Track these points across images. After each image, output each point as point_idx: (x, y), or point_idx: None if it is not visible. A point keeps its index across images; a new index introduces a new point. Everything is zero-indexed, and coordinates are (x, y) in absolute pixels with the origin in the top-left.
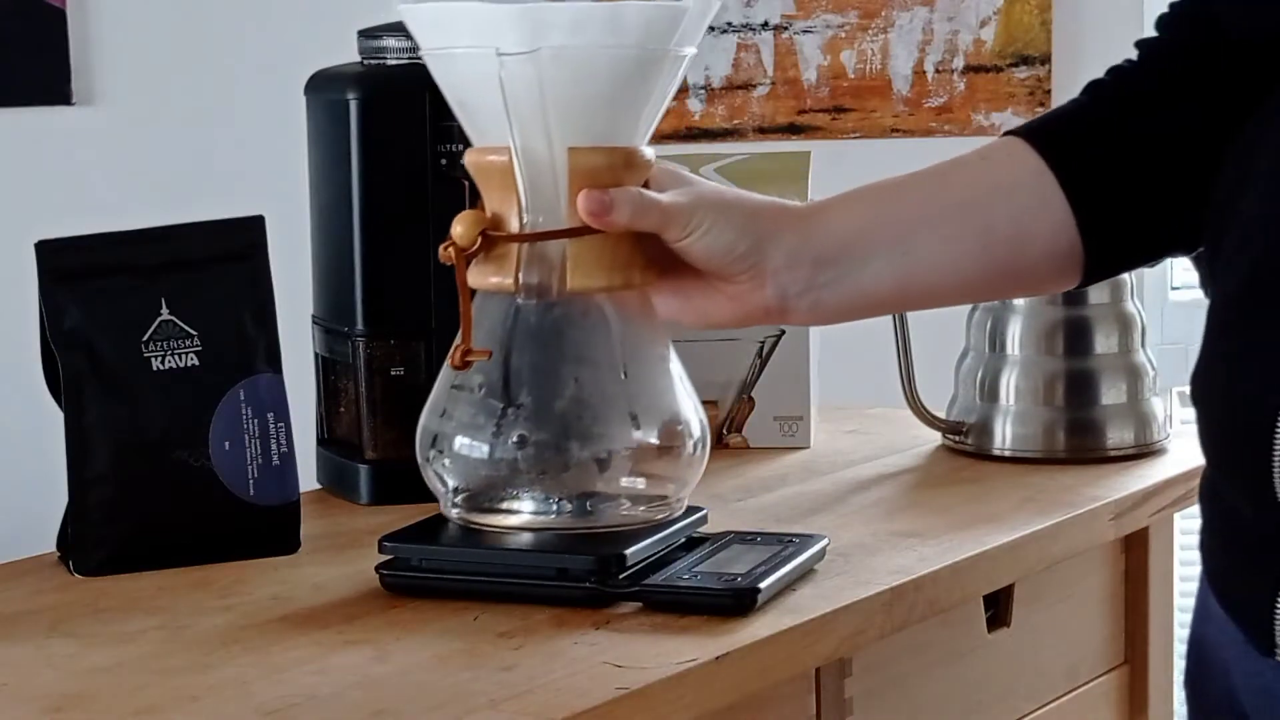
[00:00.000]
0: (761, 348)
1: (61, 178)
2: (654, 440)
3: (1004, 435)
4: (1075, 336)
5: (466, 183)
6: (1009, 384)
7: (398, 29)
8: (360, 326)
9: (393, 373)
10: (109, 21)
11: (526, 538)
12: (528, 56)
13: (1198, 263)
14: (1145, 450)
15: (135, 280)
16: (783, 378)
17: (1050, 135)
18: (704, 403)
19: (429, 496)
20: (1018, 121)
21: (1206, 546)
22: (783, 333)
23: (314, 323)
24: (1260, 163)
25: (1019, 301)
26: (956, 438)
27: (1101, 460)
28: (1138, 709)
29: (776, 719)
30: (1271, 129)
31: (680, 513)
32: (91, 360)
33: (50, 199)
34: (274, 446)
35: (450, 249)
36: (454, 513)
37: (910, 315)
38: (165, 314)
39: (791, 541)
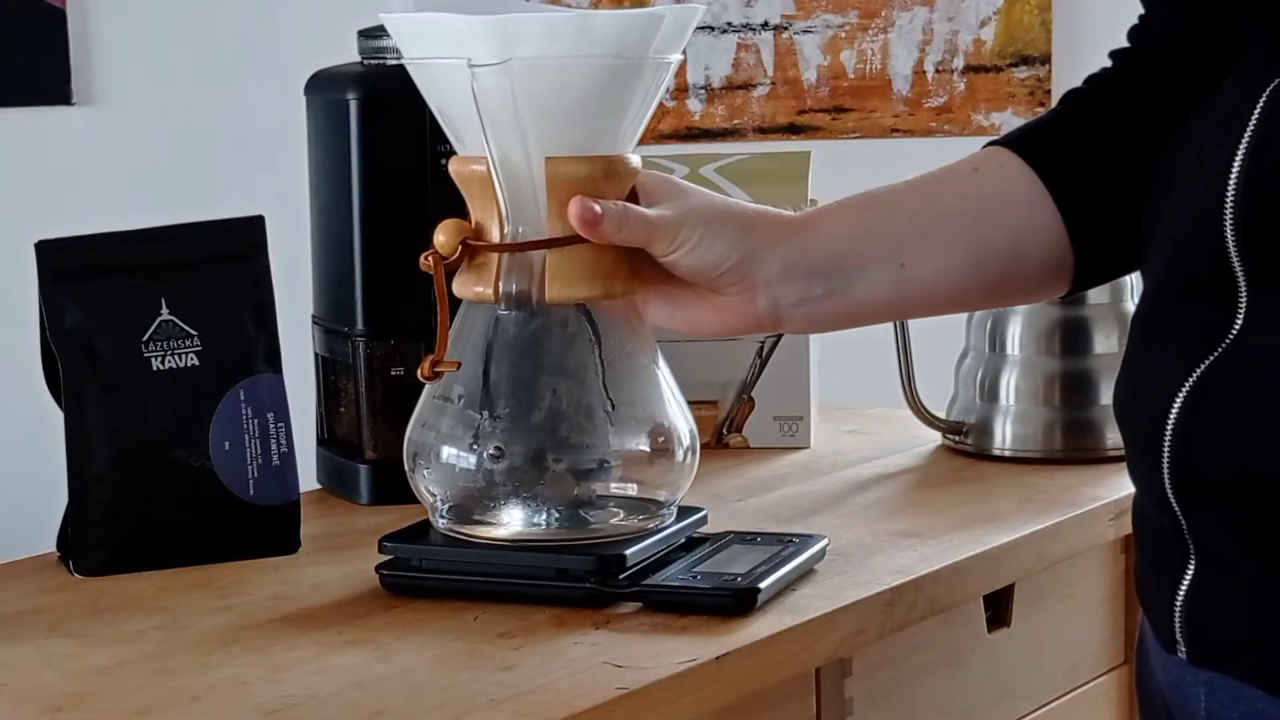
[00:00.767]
0: (761, 348)
1: (61, 178)
2: (640, 449)
3: (1004, 435)
4: (1074, 337)
5: None
6: (1009, 384)
7: None
8: (360, 326)
9: (393, 373)
10: (109, 21)
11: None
12: (500, 67)
13: None
14: None
15: (135, 280)
16: (783, 378)
17: (1036, 145)
18: (704, 403)
19: None
20: (1018, 121)
21: (1135, 546)
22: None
23: (314, 323)
24: (1176, 174)
25: None
26: (956, 438)
27: (1101, 460)
28: (1138, 709)
29: (776, 719)
30: (1186, 143)
31: (672, 519)
32: (91, 360)
33: (50, 199)
34: (274, 446)
35: (430, 257)
36: (441, 523)
37: None
38: (165, 314)
39: (791, 541)
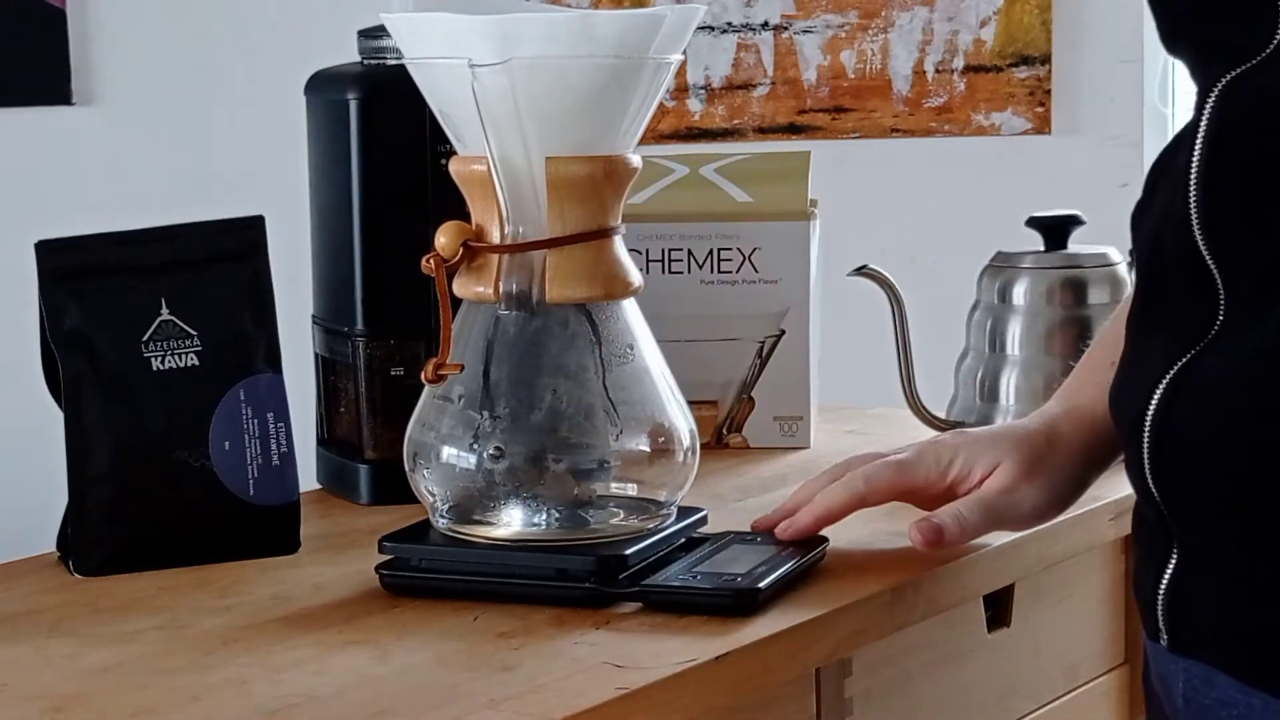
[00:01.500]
0: (761, 348)
1: (61, 178)
2: (640, 449)
3: None
4: (1075, 337)
5: None
6: (1009, 384)
7: None
8: (360, 326)
9: (393, 373)
10: (109, 21)
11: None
12: (501, 67)
13: None
14: None
15: (135, 280)
16: (783, 378)
17: None
18: (704, 403)
19: None
20: (1017, 121)
21: (1132, 539)
22: (783, 333)
23: (314, 323)
24: (1160, 171)
25: (1019, 302)
26: None
27: None
28: (1138, 709)
29: (776, 719)
30: (1174, 158)
31: (672, 519)
32: (91, 360)
33: (50, 199)
34: (274, 446)
35: (432, 260)
36: (441, 523)
37: (910, 315)
38: (165, 314)
39: (792, 541)
